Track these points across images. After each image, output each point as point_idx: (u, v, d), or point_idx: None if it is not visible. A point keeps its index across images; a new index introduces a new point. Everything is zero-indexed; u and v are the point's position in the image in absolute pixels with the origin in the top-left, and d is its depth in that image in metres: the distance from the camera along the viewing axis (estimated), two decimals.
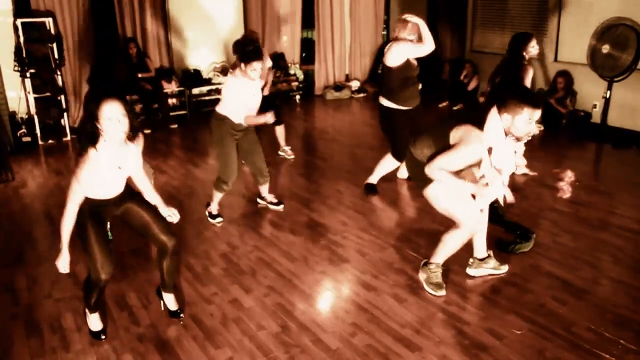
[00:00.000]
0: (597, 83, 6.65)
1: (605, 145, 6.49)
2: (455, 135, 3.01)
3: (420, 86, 4.89)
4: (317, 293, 3.47)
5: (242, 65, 4.03)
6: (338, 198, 4.99)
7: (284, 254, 3.95)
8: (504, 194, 3.10)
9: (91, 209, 2.79)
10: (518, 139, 2.98)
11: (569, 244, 4.01)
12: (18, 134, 6.72)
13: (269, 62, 5.78)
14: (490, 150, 2.95)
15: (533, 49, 4.75)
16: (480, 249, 3.59)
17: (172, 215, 3.00)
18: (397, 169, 5.27)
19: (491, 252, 3.64)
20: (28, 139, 6.78)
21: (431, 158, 3.06)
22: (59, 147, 6.85)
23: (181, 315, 3.15)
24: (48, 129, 6.91)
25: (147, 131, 7.39)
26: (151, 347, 2.92)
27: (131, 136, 2.74)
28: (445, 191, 3.18)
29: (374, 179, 5.09)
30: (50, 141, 6.93)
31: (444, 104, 8.69)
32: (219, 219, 4.49)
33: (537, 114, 2.89)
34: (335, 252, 3.97)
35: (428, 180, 3.18)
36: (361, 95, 9.69)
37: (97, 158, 2.66)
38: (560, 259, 3.79)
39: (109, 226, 4.07)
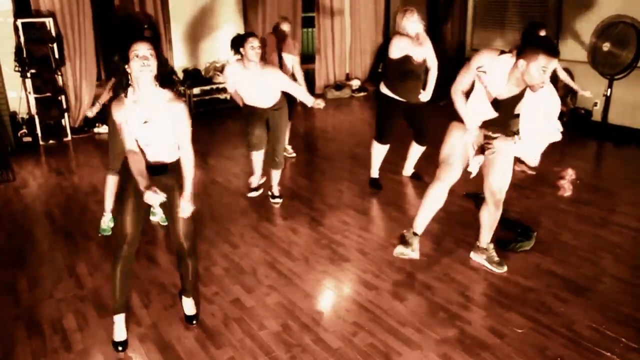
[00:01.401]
0: (598, 81, 6.64)
1: (606, 143, 6.48)
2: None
3: (424, 94, 4.89)
4: (318, 292, 3.47)
5: (242, 49, 4.24)
6: (339, 197, 4.99)
7: (285, 253, 3.96)
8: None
9: (131, 176, 2.76)
10: (531, 88, 2.99)
11: (570, 242, 4.01)
12: (19, 134, 6.72)
13: (294, 57, 5.83)
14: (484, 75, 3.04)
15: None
16: (482, 238, 3.67)
17: (185, 210, 2.83)
18: (402, 167, 5.35)
19: (492, 247, 3.66)
20: (29, 139, 6.78)
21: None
22: (60, 147, 6.85)
23: (193, 322, 3.11)
24: (49, 129, 6.91)
25: None
26: (152, 347, 2.92)
27: (162, 84, 2.70)
28: (451, 135, 3.33)
29: (374, 172, 5.18)
30: (51, 141, 6.93)
31: (445, 101, 8.68)
32: (254, 193, 4.89)
33: (553, 63, 2.89)
34: (336, 251, 3.97)
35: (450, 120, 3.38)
36: (362, 94, 9.69)
37: (125, 103, 2.66)
38: (561, 257, 3.79)
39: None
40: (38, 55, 6.55)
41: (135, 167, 2.72)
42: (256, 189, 4.98)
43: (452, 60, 9.11)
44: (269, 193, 4.91)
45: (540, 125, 3.11)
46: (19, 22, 6.38)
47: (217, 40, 8.63)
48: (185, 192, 2.80)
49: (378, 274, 3.63)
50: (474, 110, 3.10)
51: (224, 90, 8.49)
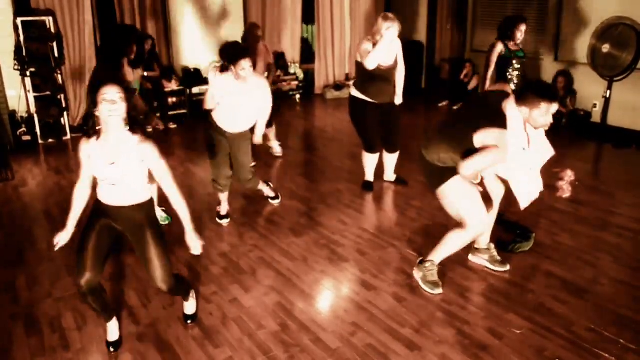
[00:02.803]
0: (597, 82, 6.65)
1: (605, 144, 6.49)
2: (481, 139, 3.00)
3: (396, 98, 4.94)
4: (317, 292, 3.47)
5: (232, 67, 3.92)
6: (338, 197, 4.99)
7: (284, 253, 3.95)
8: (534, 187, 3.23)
9: (99, 218, 2.74)
10: (535, 127, 3.11)
11: (569, 244, 4.01)
12: (18, 133, 6.71)
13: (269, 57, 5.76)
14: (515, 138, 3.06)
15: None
16: (482, 240, 3.65)
17: (196, 247, 2.76)
18: (383, 173, 5.30)
19: (492, 246, 3.67)
20: (28, 137, 6.77)
21: (463, 158, 3.08)
22: (59, 146, 6.84)
23: (189, 322, 3.11)
24: (48, 127, 6.90)
25: (173, 126, 7.54)
26: (151, 347, 2.92)
27: (132, 127, 2.60)
28: (457, 191, 3.24)
29: (369, 176, 5.17)
30: (50, 140, 6.93)
31: (444, 103, 8.69)
32: (225, 220, 4.47)
33: (555, 107, 3.02)
34: (335, 251, 3.97)
35: (442, 181, 3.27)
36: None
37: (93, 149, 2.62)
38: (560, 258, 3.80)
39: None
40: (37, 54, 6.54)
41: (77, 203, 2.76)
42: (227, 216, 4.51)
43: (452, 60, 9.14)
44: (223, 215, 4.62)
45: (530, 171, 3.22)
46: (19, 20, 6.37)
47: (218, 39, 8.62)
48: (187, 229, 2.74)
49: (377, 274, 3.63)
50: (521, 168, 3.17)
51: None
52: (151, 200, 2.80)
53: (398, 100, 4.97)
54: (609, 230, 4.24)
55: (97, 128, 2.59)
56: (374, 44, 4.55)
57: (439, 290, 3.37)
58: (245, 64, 3.86)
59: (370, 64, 4.54)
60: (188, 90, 8.14)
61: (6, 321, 3.17)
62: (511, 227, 4.03)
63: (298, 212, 4.69)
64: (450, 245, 3.37)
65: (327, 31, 9.49)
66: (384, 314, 3.18)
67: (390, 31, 4.49)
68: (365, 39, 4.67)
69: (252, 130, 4.32)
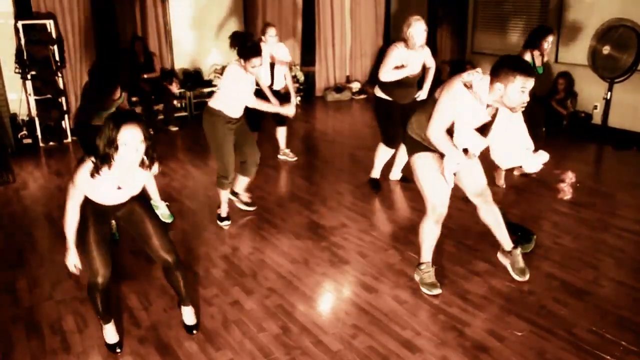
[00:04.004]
0: (598, 84, 6.65)
1: (606, 146, 6.48)
2: (438, 99, 3.04)
3: (421, 92, 4.95)
4: (318, 295, 3.47)
5: (242, 61, 4.05)
6: (338, 199, 4.99)
7: (285, 255, 3.95)
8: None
9: (93, 208, 2.68)
10: (512, 109, 2.94)
11: (569, 245, 4.00)
12: (19, 136, 6.72)
13: (286, 56, 5.73)
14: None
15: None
16: (501, 241, 3.58)
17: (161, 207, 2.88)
18: (389, 172, 5.33)
19: (517, 252, 3.57)
20: (29, 140, 6.79)
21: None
22: (60, 148, 6.85)
23: (194, 332, 3.04)
24: (49, 130, 6.91)
25: (175, 128, 7.55)
26: (152, 350, 2.92)
27: (145, 164, 2.56)
28: (424, 165, 3.23)
29: (376, 173, 5.17)
30: (51, 143, 6.93)
31: None
32: (226, 222, 4.46)
33: (530, 82, 2.84)
34: (336, 253, 3.97)
35: (412, 152, 3.30)
36: (362, 96, 9.69)
37: (98, 176, 2.50)
38: (561, 260, 3.79)
39: (114, 227, 4.08)
40: (38, 57, 6.56)
41: (73, 223, 2.65)
42: (227, 218, 4.51)
43: (453, 62, 9.14)
44: (245, 202, 4.75)
45: (510, 141, 3.12)
46: (20, 23, 6.39)
47: (218, 41, 8.64)
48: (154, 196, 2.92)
49: (378, 276, 3.63)
50: (460, 142, 3.07)
51: None
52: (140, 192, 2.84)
53: (423, 95, 4.94)
54: (609, 231, 4.24)
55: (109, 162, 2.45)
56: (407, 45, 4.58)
57: (437, 291, 3.37)
58: (257, 61, 4.01)
59: (385, 78, 4.65)
60: (189, 93, 8.15)
61: (7, 323, 3.17)
62: (512, 228, 4.02)
63: (299, 214, 4.69)
64: (424, 237, 3.40)
65: (328, 33, 9.50)
66: (385, 316, 3.17)
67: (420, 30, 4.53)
68: (396, 48, 4.61)
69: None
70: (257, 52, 4.02)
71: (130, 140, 2.37)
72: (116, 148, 2.38)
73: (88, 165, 2.48)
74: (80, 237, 2.70)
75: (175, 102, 7.98)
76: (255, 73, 4.14)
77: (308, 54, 9.69)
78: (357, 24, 9.79)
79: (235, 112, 4.20)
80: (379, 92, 4.89)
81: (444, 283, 3.49)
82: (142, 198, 2.88)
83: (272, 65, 5.58)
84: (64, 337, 3.04)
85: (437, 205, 3.25)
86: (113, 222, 4.15)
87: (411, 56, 4.62)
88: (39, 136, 6.83)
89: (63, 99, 6.91)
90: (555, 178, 5.03)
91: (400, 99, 4.80)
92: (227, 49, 4.35)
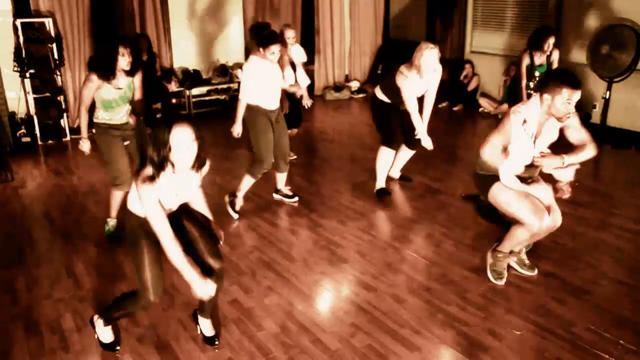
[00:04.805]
0: (597, 84, 6.65)
1: (605, 145, 6.49)
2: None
3: (420, 132, 4.73)
4: (317, 293, 3.47)
5: (261, 49, 4.20)
6: (337, 198, 4.99)
7: (284, 254, 3.95)
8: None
9: (147, 228, 2.53)
10: (559, 119, 3.14)
11: (568, 245, 4.01)
12: (17, 134, 6.71)
13: (303, 56, 5.79)
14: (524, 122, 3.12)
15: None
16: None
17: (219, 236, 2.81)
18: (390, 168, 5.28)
19: (524, 251, 3.64)
20: (27, 139, 6.77)
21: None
22: (59, 147, 6.84)
23: (216, 342, 2.92)
24: (47, 129, 6.91)
25: None
26: (151, 348, 2.92)
27: (196, 165, 2.53)
28: (504, 193, 3.29)
29: (381, 182, 4.98)
30: (49, 141, 6.93)
31: (444, 104, 8.69)
32: (237, 215, 4.56)
33: (577, 95, 3.00)
34: (335, 252, 3.97)
35: (488, 187, 3.36)
36: (361, 95, 9.69)
37: (159, 187, 2.43)
38: (560, 259, 3.79)
39: (114, 225, 4.09)
40: (37, 56, 6.55)
41: (179, 256, 2.46)
42: (237, 212, 4.60)
43: (452, 61, 9.14)
44: (286, 194, 4.92)
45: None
46: (18, 22, 6.37)
47: (217, 40, 8.64)
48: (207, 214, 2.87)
49: (376, 275, 3.63)
50: (517, 163, 3.23)
51: (223, 91, 8.50)
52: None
53: (423, 136, 4.67)
54: (608, 231, 4.24)
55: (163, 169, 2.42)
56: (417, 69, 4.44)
57: (501, 282, 3.46)
58: (275, 48, 4.16)
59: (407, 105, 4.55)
60: (188, 92, 8.14)
61: (6, 322, 3.16)
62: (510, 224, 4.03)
63: (298, 213, 4.69)
64: (514, 238, 3.40)
65: (327, 32, 9.49)
66: (383, 315, 3.17)
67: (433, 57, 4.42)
68: (406, 74, 4.48)
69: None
70: (275, 39, 4.18)
71: (183, 139, 2.37)
72: (169, 150, 2.37)
73: (146, 175, 2.41)
74: (134, 256, 2.61)
75: (173, 100, 7.96)
76: (274, 61, 4.23)
77: (307, 53, 9.66)
78: (356, 22, 9.79)
79: (273, 104, 4.41)
80: (380, 94, 4.79)
81: (442, 282, 3.49)
82: (186, 207, 2.80)
83: (292, 65, 5.62)
84: (63, 336, 3.03)
85: (535, 222, 3.22)
86: (114, 220, 4.17)
87: (421, 81, 4.52)
88: (38, 135, 6.82)
89: (62, 97, 6.91)
90: (554, 177, 5.04)
91: (402, 104, 4.66)
92: (227, 48, 4.39)
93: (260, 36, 4.32)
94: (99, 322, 2.88)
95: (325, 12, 9.38)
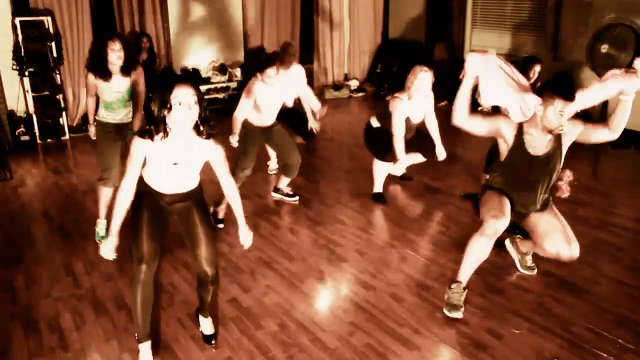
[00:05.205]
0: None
1: (604, 144, 6.48)
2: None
3: (439, 152, 4.75)
4: (316, 292, 3.47)
5: (259, 75, 4.26)
6: (337, 197, 4.99)
7: (283, 253, 3.95)
8: None
9: (149, 198, 2.59)
10: (550, 132, 2.99)
11: None
12: (16, 133, 6.70)
13: (301, 77, 5.57)
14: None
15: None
16: (526, 243, 3.59)
17: (245, 239, 2.80)
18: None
19: (527, 253, 3.61)
20: (26, 137, 6.76)
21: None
22: (58, 146, 6.84)
23: (213, 341, 2.92)
24: (47, 127, 6.89)
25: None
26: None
27: (200, 130, 2.46)
28: (485, 195, 3.23)
29: (378, 187, 4.94)
30: (48, 140, 6.91)
31: (443, 103, 8.68)
32: (221, 225, 4.36)
33: (569, 107, 2.90)
34: (334, 251, 3.97)
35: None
36: (360, 94, 9.69)
37: (153, 147, 2.41)
38: None
39: (104, 226, 4.04)
40: (36, 54, 6.53)
41: (124, 205, 2.52)
42: (223, 220, 4.43)
43: (452, 62, 9.14)
44: (287, 194, 4.95)
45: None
46: (17, 20, 6.36)
47: (217, 40, 8.62)
48: (240, 222, 2.77)
49: (375, 274, 3.63)
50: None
51: (223, 90, 8.49)
52: (200, 185, 2.78)
53: (441, 154, 4.74)
54: (607, 230, 4.24)
55: (166, 130, 2.39)
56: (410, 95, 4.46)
57: (456, 315, 3.09)
58: (271, 72, 4.20)
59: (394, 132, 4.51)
60: None
61: (5, 321, 3.16)
62: (511, 226, 4.02)
63: (297, 212, 4.69)
64: (466, 254, 3.25)
65: (326, 30, 9.49)
66: (382, 313, 3.17)
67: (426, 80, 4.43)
68: (398, 101, 4.48)
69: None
70: (270, 64, 4.21)
71: (184, 97, 2.32)
72: (169, 109, 2.32)
73: (143, 132, 2.41)
74: (133, 223, 2.60)
75: None
76: (272, 84, 4.25)
77: (306, 52, 9.68)
78: (355, 21, 9.78)
79: (267, 121, 4.47)
80: (375, 123, 4.76)
81: (441, 281, 3.50)
82: (203, 202, 2.78)
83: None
84: (62, 334, 3.03)
85: (489, 225, 3.05)
86: (104, 221, 4.08)
87: (413, 106, 4.50)
88: (37, 133, 6.81)
89: (61, 96, 6.89)
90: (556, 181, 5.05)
91: (407, 134, 4.59)
92: (226, 46, 4.39)
93: (256, 62, 4.40)
94: (136, 338, 2.77)
95: (325, 11, 9.37)
